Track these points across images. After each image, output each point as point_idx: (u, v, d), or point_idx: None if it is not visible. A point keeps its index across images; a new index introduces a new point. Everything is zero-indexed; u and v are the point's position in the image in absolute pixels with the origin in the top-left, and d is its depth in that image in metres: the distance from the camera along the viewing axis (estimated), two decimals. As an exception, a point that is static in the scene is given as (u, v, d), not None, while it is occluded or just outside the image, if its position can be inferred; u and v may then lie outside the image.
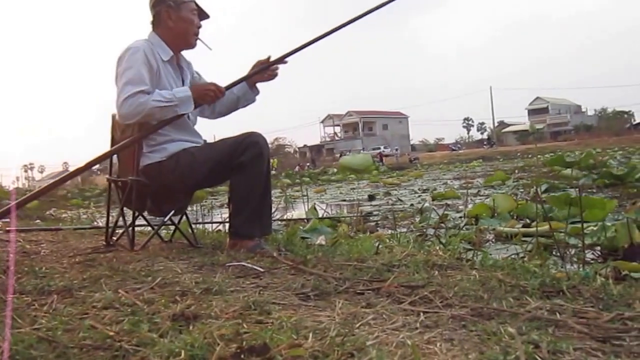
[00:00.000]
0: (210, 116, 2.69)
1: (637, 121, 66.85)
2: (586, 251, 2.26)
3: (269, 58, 2.51)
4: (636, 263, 1.93)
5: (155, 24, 2.49)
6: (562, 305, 1.22)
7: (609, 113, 75.46)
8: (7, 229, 3.51)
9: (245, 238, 2.33)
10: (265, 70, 2.52)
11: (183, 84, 2.52)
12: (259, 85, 2.65)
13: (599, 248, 2.48)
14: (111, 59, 2.44)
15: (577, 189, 3.94)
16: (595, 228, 2.63)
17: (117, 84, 2.30)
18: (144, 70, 2.29)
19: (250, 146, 2.30)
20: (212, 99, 2.35)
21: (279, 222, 4.30)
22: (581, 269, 1.92)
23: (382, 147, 55.59)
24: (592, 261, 2.27)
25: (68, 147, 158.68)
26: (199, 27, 2.49)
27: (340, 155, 44.15)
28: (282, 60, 2.52)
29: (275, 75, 2.57)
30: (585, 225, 2.42)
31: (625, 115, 72.79)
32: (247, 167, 2.29)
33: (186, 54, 2.60)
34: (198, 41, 2.51)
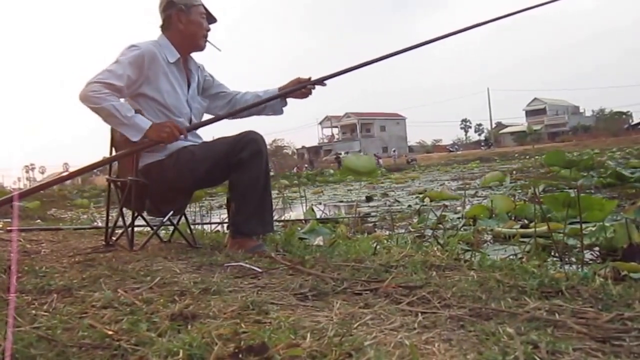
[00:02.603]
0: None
1: (635, 121, 66.82)
2: (585, 251, 2.26)
3: (309, 78, 2.57)
4: (635, 263, 1.93)
5: (165, 27, 2.51)
6: (561, 306, 1.22)
7: (607, 114, 75.49)
8: (8, 228, 3.53)
9: (247, 236, 2.34)
10: (301, 88, 2.58)
11: (189, 87, 2.55)
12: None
13: (597, 248, 2.48)
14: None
15: (575, 190, 3.94)
16: (594, 228, 2.63)
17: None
18: (129, 71, 2.31)
19: (248, 143, 2.31)
20: (166, 137, 2.30)
21: (277, 223, 4.30)
22: (580, 270, 1.92)
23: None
24: (591, 261, 2.26)
25: (69, 148, 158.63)
26: (208, 30, 2.53)
27: (336, 157, 43.67)
28: (321, 81, 2.57)
29: (310, 93, 2.62)
30: (584, 225, 2.42)
31: (624, 116, 72.79)
32: (246, 164, 2.30)
33: (196, 57, 2.63)
34: (207, 44, 2.54)
